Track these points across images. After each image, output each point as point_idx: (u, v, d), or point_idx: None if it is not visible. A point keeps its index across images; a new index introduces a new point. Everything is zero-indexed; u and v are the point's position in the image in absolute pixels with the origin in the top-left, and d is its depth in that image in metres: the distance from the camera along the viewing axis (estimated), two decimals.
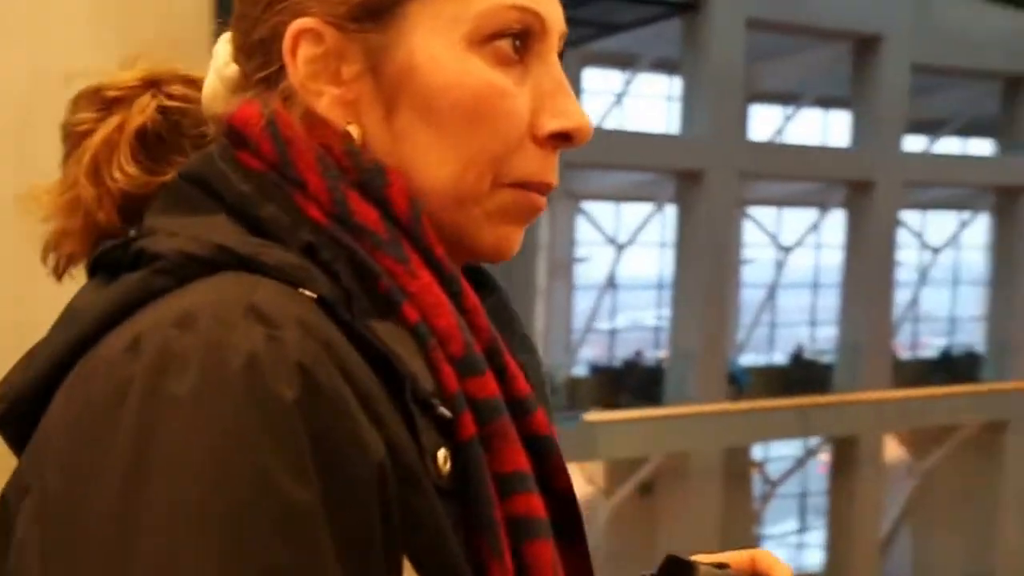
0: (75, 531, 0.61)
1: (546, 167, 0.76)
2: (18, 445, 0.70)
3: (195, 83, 0.82)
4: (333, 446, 0.62)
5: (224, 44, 0.80)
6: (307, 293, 0.66)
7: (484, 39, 0.74)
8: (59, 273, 0.80)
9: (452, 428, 0.68)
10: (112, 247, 0.71)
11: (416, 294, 0.70)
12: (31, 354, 0.71)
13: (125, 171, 0.78)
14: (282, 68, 0.74)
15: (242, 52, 0.77)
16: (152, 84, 0.81)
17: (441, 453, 0.67)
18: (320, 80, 0.74)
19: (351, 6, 0.73)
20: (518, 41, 0.75)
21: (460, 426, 0.68)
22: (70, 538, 0.61)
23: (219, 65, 0.80)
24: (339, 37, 0.74)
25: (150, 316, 0.65)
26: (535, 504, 0.70)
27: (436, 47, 0.73)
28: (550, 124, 0.75)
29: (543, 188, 0.76)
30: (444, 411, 0.67)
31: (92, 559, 0.59)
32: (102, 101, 0.80)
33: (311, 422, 0.61)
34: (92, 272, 0.73)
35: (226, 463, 0.59)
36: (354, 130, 0.74)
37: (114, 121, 0.79)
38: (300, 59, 0.74)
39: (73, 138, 0.80)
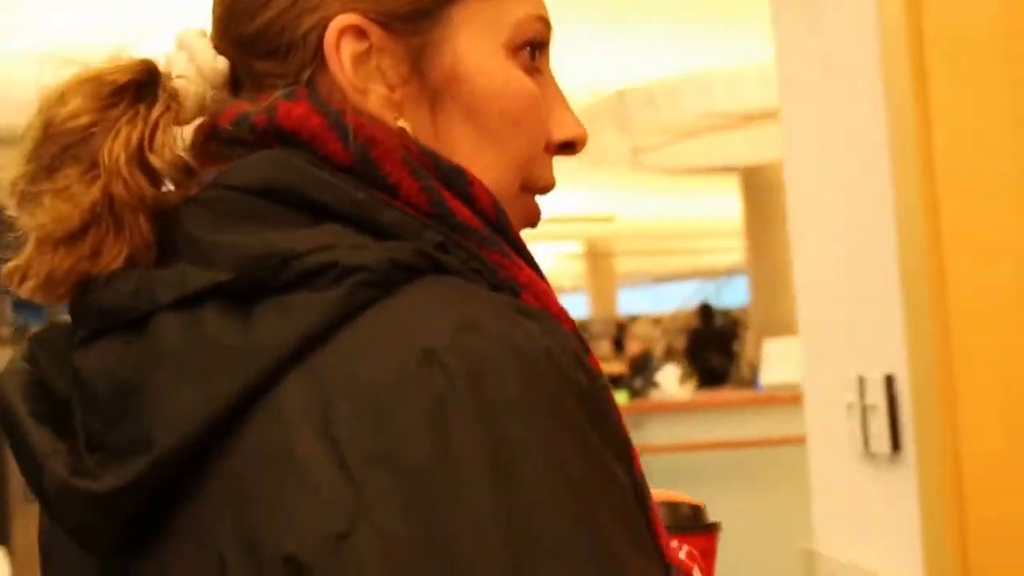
0: (463, 569, 0.56)
1: (551, 171, 0.79)
2: (128, 519, 0.63)
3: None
4: (618, 428, 0.64)
5: (196, 36, 0.76)
6: None
7: (518, 47, 0.75)
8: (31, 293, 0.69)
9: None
10: (256, 266, 0.63)
11: (527, 284, 0.70)
12: (171, 398, 0.62)
13: (175, 158, 0.69)
14: (316, 67, 0.72)
15: (254, 50, 0.74)
16: (159, 74, 0.72)
17: None
18: (366, 78, 0.72)
19: (398, 5, 0.72)
20: (536, 51, 0.76)
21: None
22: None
23: (199, 59, 0.75)
24: (384, 35, 0.72)
25: (413, 327, 0.61)
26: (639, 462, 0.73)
27: (480, 52, 0.74)
28: (561, 133, 0.78)
29: (548, 189, 0.79)
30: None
31: None
32: (107, 90, 0.69)
33: (602, 406, 0.62)
34: (189, 302, 0.64)
35: (583, 455, 0.59)
36: (406, 126, 0.72)
37: (136, 110, 0.69)
38: (345, 56, 0.71)
39: (68, 134, 0.68)
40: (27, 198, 0.68)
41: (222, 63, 0.75)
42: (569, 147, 0.78)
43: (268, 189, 0.67)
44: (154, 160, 0.68)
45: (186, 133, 0.73)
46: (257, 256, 0.64)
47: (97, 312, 0.67)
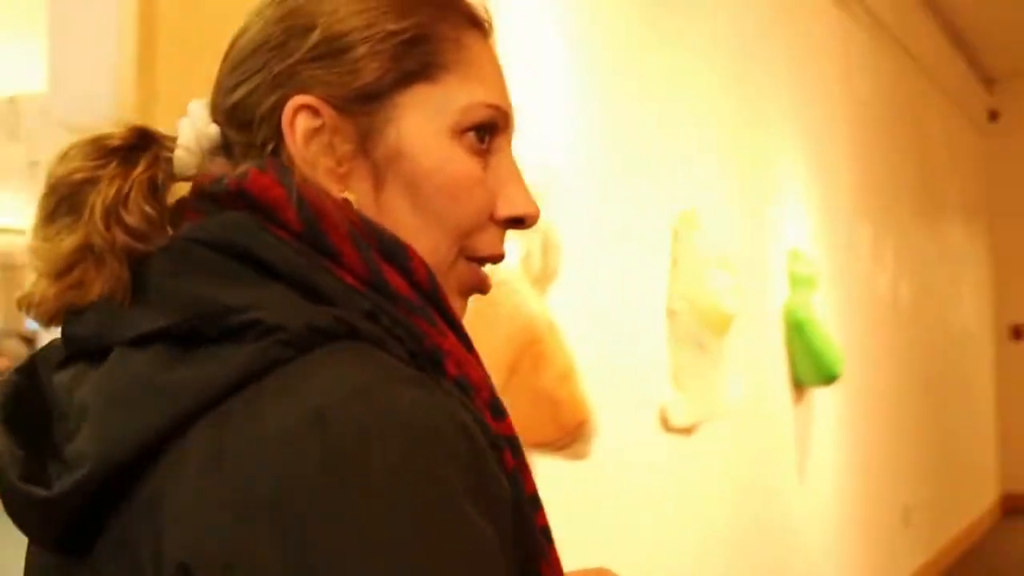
0: None
1: (499, 243, 0.84)
2: (66, 524, 0.72)
3: (172, 143, 0.83)
4: (495, 491, 0.69)
5: (201, 106, 0.84)
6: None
7: (463, 130, 0.81)
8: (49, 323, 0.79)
9: (502, 463, 0.74)
10: (197, 316, 0.70)
11: (450, 351, 0.76)
12: (107, 428, 0.70)
13: (146, 215, 0.77)
14: (278, 140, 0.79)
15: (232, 120, 0.81)
16: (153, 138, 0.82)
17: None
18: (316, 152, 0.79)
19: (349, 89, 0.79)
20: (486, 134, 0.82)
21: (506, 460, 0.74)
22: None
23: (199, 126, 0.83)
24: (335, 115, 0.79)
25: (311, 388, 0.66)
26: (545, 516, 0.80)
27: (423, 133, 0.80)
28: (507, 210, 0.83)
29: (495, 259, 0.84)
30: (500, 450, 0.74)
31: None
32: (101, 151, 0.79)
33: (484, 474, 0.68)
34: (141, 341, 0.72)
35: (448, 523, 0.64)
36: (351, 197, 0.79)
37: (122, 169, 0.79)
38: (298, 131, 0.78)
39: (65, 188, 0.78)
40: (34, 241, 0.78)
41: (213, 130, 0.82)
42: (518, 222, 0.84)
43: (225, 246, 0.74)
44: (125, 215, 0.76)
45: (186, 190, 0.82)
46: (198, 307, 0.71)
47: (71, 339, 0.77)
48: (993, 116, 8.86)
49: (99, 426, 0.71)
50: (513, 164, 0.84)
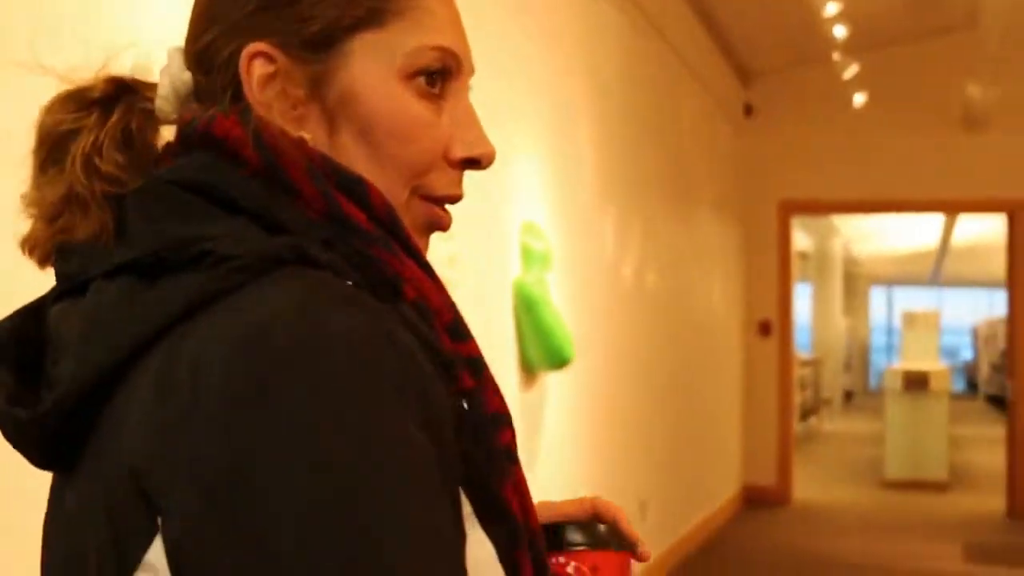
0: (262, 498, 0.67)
1: (456, 184, 0.88)
2: (47, 443, 0.78)
3: (154, 90, 0.88)
4: (435, 409, 0.73)
5: (177, 52, 0.87)
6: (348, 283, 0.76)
7: (411, 74, 0.84)
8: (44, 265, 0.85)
9: (457, 383, 0.79)
10: (162, 249, 0.75)
11: (410, 278, 0.80)
12: (78, 353, 0.76)
13: (118, 163, 0.83)
14: (236, 86, 0.83)
15: (200, 66, 0.85)
16: (129, 88, 0.87)
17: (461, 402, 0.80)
18: (272, 96, 0.83)
19: (300, 36, 0.83)
20: (439, 78, 0.86)
21: (461, 380, 0.80)
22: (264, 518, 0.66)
23: (174, 72, 0.86)
24: (288, 62, 0.83)
25: (254, 306, 0.71)
26: (513, 436, 0.84)
27: (373, 79, 0.83)
28: (461, 151, 0.87)
29: (451, 199, 0.88)
30: (455, 369, 0.79)
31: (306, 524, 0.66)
32: (83, 102, 0.85)
33: (416, 388, 0.71)
34: (114, 273, 0.77)
35: (383, 426, 0.69)
36: (307, 136, 0.82)
37: (100, 119, 0.84)
38: (254, 77, 0.83)
39: (52, 139, 0.84)
40: (29, 190, 0.85)
41: (187, 76, 0.86)
42: (474, 163, 0.88)
43: (190, 184, 0.79)
44: (100, 163, 0.82)
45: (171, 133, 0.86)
46: (162, 240, 0.76)
47: (59, 277, 0.83)
48: (748, 111, 8.97)
49: (74, 350, 0.77)
50: (468, 107, 0.88)
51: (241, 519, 0.66)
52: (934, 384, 10.42)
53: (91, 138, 0.82)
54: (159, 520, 0.69)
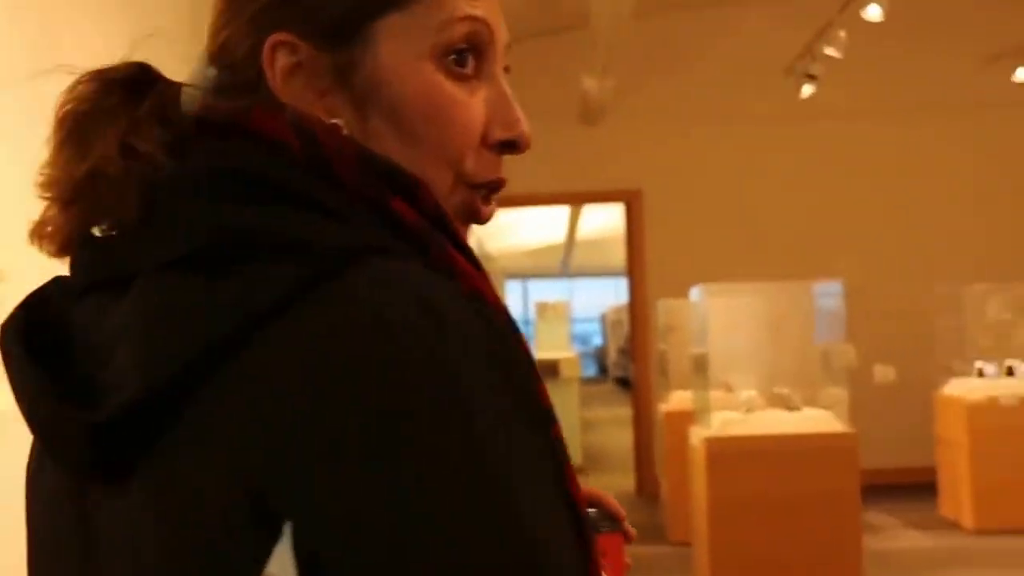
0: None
1: (496, 167, 0.85)
2: (102, 451, 0.70)
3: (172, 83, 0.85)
4: (541, 402, 0.72)
5: (201, 59, 0.85)
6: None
7: (441, 54, 0.82)
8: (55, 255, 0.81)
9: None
10: (226, 239, 0.71)
11: (462, 274, 0.76)
12: (146, 353, 0.70)
13: (158, 143, 0.77)
14: (261, 79, 0.81)
15: (221, 62, 0.83)
16: (154, 73, 0.83)
17: None
18: (296, 88, 0.81)
19: (322, 24, 0.81)
20: (470, 56, 0.83)
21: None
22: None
23: (197, 68, 0.85)
24: (311, 51, 0.81)
25: (366, 298, 0.68)
26: (560, 431, 0.80)
27: (400, 61, 0.81)
28: (500, 133, 0.85)
29: (494, 185, 0.86)
30: None
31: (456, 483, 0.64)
32: (107, 84, 0.81)
33: (529, 383, 0.71)
34: (170, 265, 0.72)
35: (510, 414, 0.68)
36: (340, 123, 0.80)
37: (131, 99, 0.80)
38: (277, 68, 0.81)
39: (73, 119, 0.79)
40: (45, 172, 0.80)
41: (211, 72, 0.84)
42: (511, 145, 0.85)
43: (240, 171, 0.75)
44: (137, 143, 0.77)
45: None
46: (223, 230, 0.72)
47: (90, 268, 0.78)
48: None
49: (142, 346, 0.70)
50: (503, 87, 0.85)
51: (403, 514, 0.63)
52: (564, 371, 10.78)
53: (126, 117, 0.79)
54: (285, 528, 0.64)
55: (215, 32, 0.84)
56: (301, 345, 0.66)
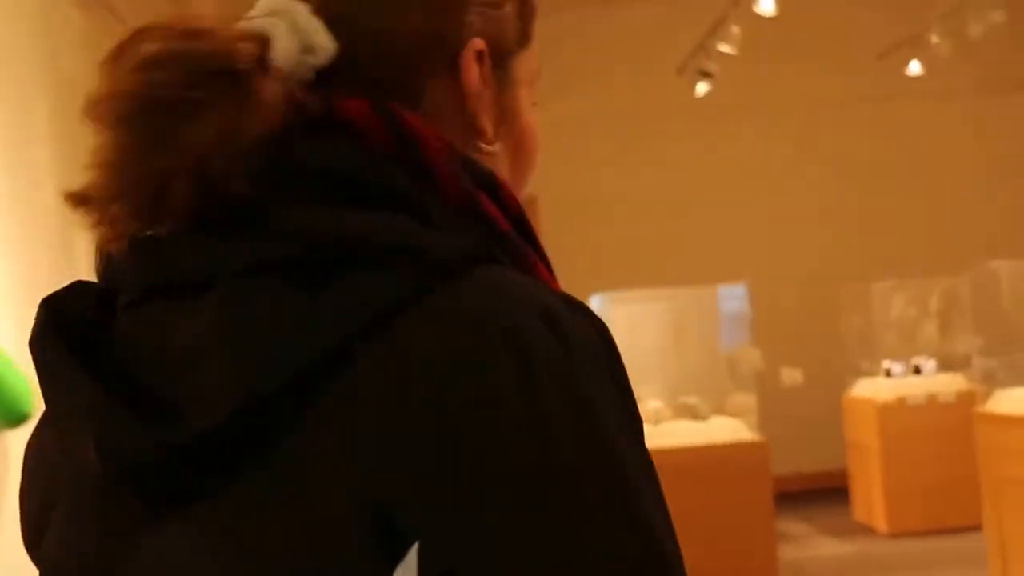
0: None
1: None
2: (183, 473, 0.67)
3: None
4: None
5: (309, 15, 0.76)
6: None
7: (533, 96, 0.87)
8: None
9: None
10: (327, 243, 0.68)
11: (545, 281, 0.76)
12: (236, 367, 0.66)
13: (262, 142, 0.71)
14: (421, 77, 0.79)
15: (368, 45, 0.78)
16: (267, 62, 0.74)
17: None
18: (483, 99, 0.81)
19: (500, 43, 0.82)
20: None
21: None
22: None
23: (313, 38, 0.76)
24: (490, 66, 0.81)
25: (493, 308, 0.67)
26: None
27: (523, 97, 0.85)
28: None
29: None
30: None
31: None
32: (191, 75, 0.70)
33: (626, 375, 0.72)
34: (257, 271, 0.68)
35: (631, 422, 0.70)
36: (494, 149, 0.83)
37: (231, 85, 0.71)
38: (475, 74, 0.80)
39: (154, 104, 0.70)
40: (117, 164, 0.71)
41: (332, 45, 0.76)
42: None
43: (332, 171, 0.71)
44: (238, 140, 0.70)
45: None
46: (329, 234, 0.69)
47: (153, 271, 0.72)
48: None
49: (234, 360, 0.66)
50: None
51: (549, 539, 0.64)
52: None
53: (229, 113, 0.70)
54: (415, 547, 0.64)
55: (377, 15, 0.79)
56: (425, 360, 0.66)
